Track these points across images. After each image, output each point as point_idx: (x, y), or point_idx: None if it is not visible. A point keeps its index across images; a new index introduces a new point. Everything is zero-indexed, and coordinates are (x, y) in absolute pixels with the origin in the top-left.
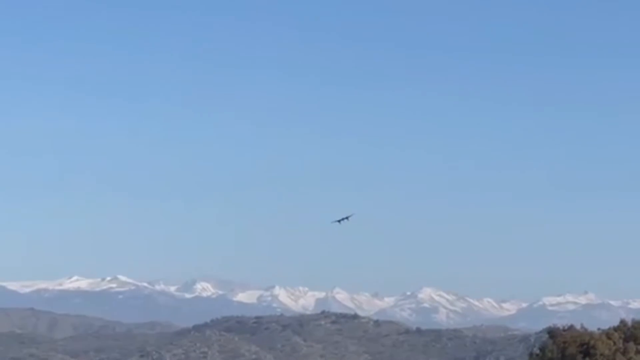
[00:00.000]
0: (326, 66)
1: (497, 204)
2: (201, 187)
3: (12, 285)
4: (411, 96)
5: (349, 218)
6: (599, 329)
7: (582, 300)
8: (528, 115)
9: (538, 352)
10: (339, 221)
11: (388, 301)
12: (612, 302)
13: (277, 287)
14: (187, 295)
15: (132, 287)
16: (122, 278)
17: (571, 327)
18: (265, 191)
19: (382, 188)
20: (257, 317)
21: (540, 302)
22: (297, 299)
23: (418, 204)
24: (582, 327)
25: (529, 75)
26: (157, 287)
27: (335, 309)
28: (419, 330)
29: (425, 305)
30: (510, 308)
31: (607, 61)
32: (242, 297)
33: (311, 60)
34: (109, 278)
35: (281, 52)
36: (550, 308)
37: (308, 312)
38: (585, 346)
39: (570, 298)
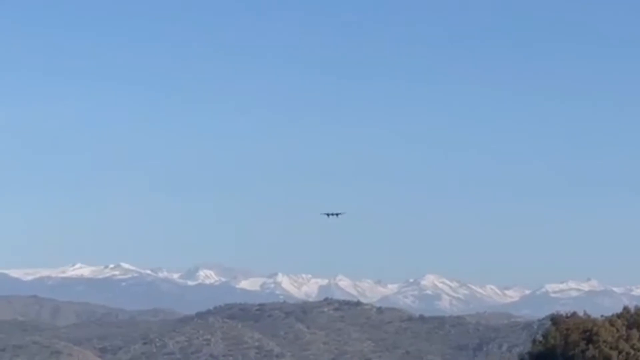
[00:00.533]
0: (326, 60)
1: (500, 191)
2: (204, 175)
3: (15, 273)
4: (413, 91)
5: (339, 215)
6: (602, 315)
7: (585, 287)
8: (529, 109)
9: (541, 339)
10: (327, 215)
11: (391, 288)
12: (615, 289)
13: (280, 274)
14: (190, 283)
15: (135, 275)
16: (125, 265)
17: (574, 314)
18: (268, 179)
19: (386, 177)
20: (260, 304)
21: (543, 289)
22: (300, 286)
23: (421, 192)
24: (585, 313)
25: (531, 70)
26: (160, 275)
27: (338, 295)
28: (422, 317)
29: (428, 292)
30: (513, 295)
31: (613, 53)
32: (245, 284)
33: (312, 53)
34: (112, 265)
35: (281, 47)
36: (553, 295)
37: (311, 299)
38: (588, 333)
39: (573, 285)
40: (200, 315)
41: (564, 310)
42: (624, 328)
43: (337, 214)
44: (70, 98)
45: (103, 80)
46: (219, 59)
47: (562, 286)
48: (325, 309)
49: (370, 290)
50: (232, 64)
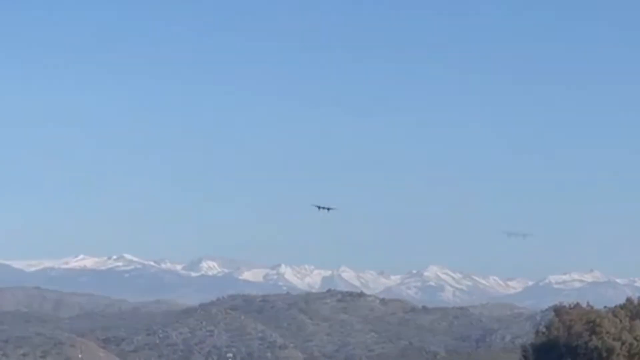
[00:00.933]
0: (326, 60)
1: (501, 185)
2: (207, 166)
3: (18, 264)
4: (414, 90)
5: (330, 210)
6: (605, 307)
7: (588, 278)
8: (529, 109)
9: (544, 330)
10: (318, 207)
11: (394, 279)
12: (618, 280)
13: (283, 266)
14: (193, 274)
15: (138, 266)
16: (128, 256)
17: (577, 305)
18: (271, 172)
19: (389, 170)
20: (263, 296)
21: (547, 280)
22: (303, 277)
23: (424, 184)
24: (588, 305)
25: (531, 69)
26: (163, 266)
27: (341, 287)
28: (425, 309)
29: (432, 283)
30: (516, 286)
31: (614, 53)
32: (248, 275)
33: (312, 53)
34: (115, 257)
35: (281, 46)
36: (556, 286)
37: (314, 291)
38: (591, 324)
39: (576, 276)
40: (203, 306)
41: (567, 301)
42: (627, 319)
43: (328, 209)
44: (70, 96)
45: (103, 79)
46: (219, 59)
47: (565, 277)
48: (328, 300)
49: (374, 282)
50: (232, 64)
